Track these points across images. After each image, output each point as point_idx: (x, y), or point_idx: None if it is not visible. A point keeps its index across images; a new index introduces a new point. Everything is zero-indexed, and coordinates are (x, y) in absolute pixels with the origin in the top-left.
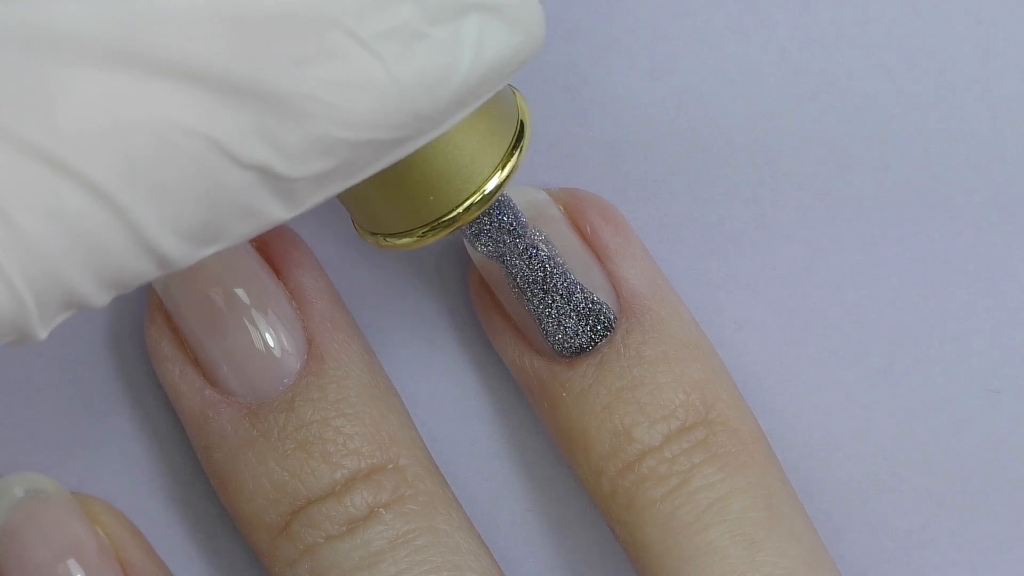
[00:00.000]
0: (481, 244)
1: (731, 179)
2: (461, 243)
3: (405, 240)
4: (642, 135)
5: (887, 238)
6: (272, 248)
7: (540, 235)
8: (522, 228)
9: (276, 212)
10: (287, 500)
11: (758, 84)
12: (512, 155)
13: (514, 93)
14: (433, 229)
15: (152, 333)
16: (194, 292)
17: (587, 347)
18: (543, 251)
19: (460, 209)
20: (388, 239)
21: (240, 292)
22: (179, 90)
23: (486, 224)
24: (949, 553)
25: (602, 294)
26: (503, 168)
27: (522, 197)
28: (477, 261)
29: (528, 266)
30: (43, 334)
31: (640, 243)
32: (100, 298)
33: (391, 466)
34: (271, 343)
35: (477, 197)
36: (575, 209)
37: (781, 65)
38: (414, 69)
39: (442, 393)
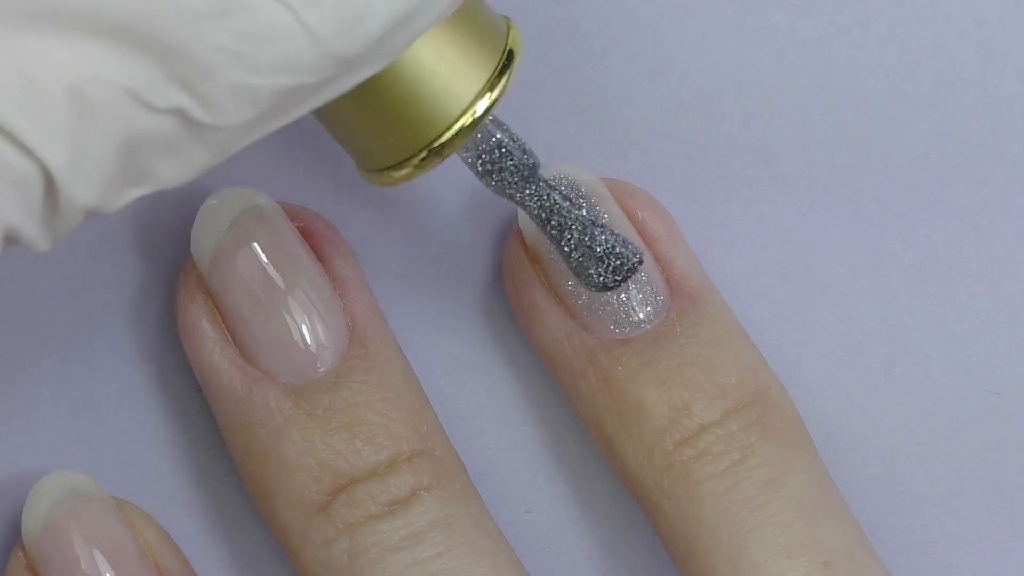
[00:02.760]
0: (491, 183)
1: (731, 179)
2: (463, 248)
3: (403, 172)
4: (642, 136)
5: (887, 238)
6: (313, 236)
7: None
8: (530, 169)
9: (204, 157)
10: (330, 478)
11: (758, 84)
12: (500, 78)
13: (508, 24)
14: (429, 155)
15: (192, 311)
16: (242, 272)
17: (612, 287)
18: (556, 191)
19: (451, 133)
20: (389, 174)
21: (286, 274)
22: (88, 43)
23: (492, 163)
24: (949, 554)
25: (652, 275)
26: (491, 90)
27: (573, 175)
28: (526, 231)
29: (540, 208)
30: None
31: (683, 236)
32: (40, 239)
33: (428, 452)
34: (316, 328)
35: (467, 119)
36: (624, 197)
37: (781, 65)
38: (325, 14)
39: (443, 395)
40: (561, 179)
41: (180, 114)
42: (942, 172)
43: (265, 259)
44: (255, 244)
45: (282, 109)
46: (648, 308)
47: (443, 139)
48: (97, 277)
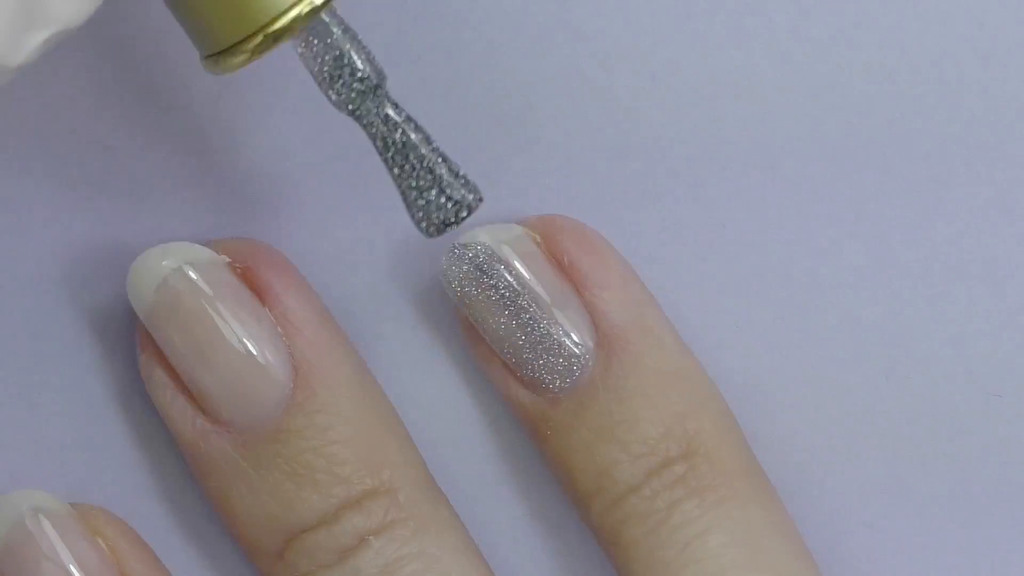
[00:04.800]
0: (334, 93)
1: (733, 182)
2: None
3: (239, 58)
4: (644, 138)
5: (888, 241)
6: (257, 275)
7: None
8: (377, 79)
9: None
10: (281, 529)
11: (759, 87)
12: None
13: None
14: (264, 40)
15: (144, 361)
16: (179, 322)
17: (449, 224)
18: (403, 111)
19: (288, 18)
20: (224, 59)
21: (217, 330)
22: None
23: (335, 69)
24: (949, 555)
25: (582, 328)
26: None
27: (498, 234)
28: (453, 298)
29: (385, 124)
30: None
31: (621, 268)
32: None
33: (383, 490)
34: (257, 377)
35: (304, 7)
36: (550, 239)
37: (782, 67)
38: None
39: (442, 402)
40: (476, 246)
41: None
42: (943, 174)
43: (194, 320)
44: (183, 307)
45: None
46: (575, 373)
47: (279, 23)
48: (97, 276)
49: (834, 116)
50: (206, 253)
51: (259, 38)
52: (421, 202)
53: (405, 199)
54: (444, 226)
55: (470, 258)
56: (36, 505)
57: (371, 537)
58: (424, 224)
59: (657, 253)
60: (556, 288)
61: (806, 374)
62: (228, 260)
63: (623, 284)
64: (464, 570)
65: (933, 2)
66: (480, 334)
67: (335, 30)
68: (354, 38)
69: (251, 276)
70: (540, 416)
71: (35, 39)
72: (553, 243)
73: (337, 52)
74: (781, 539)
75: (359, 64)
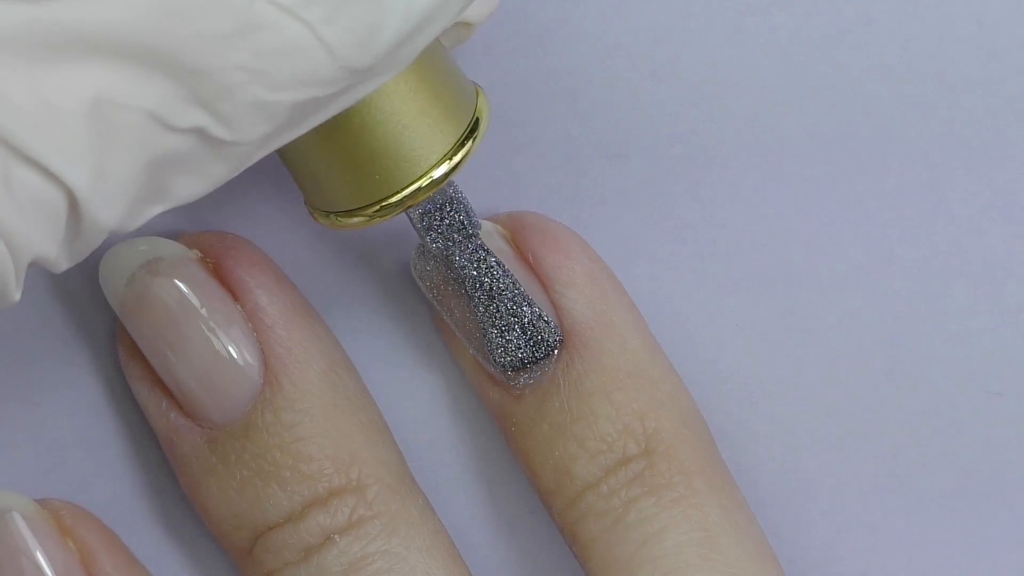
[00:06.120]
0: (431, 239)
1: (733, 180)
2: None
3: (355, 220)
4: (644, 136)
5: (888, 240)
6: (228, 270)
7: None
8: (474, 228)
9: (221, 172)
10: (249, 526)
11: (760, 86)
12: (464, 145)
13: (477, 90)
14: (381, 209)
15: (122, 354)
16: (150, 318)
17: (528, 363)
18: (493, 256)
19: (408, 191)
20: (339, 219)
21: (188, 326)
22: (108, 67)
23: (437, 219)
24: (949, 554)
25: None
26: (453, 156)
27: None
28: (424, 290)
29: (476, 269)
30: (17, 296)
31: (586, 265)
32: (60, 260)
33: (351, 488)
34: (226, 373)
35: (425, 181)
36: (518, 236)
37: (783, 67)
38: (343, 28)
39: (429, 396)
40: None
41: (200, 133)
42: (944, 173)
43: (162, 316)
44: (150, 303)
45: (296, 121)
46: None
47: (398, 197)
48: (93, 275)
49: (834, 116)
50: (175, 248)
51: (377, 207)
52: (501, 340)
53: (486, 335)
54: (523, 364)
55: (452, 215)
56: (3, 505)
57: (336, 535)
58: (504, 359)
59: (657, 252)
60: (527, 285)
61: (806, 373)
62: (199, 255)
63: (587, 282)
64: (429, 569)
65: (933, 2)
66: (452, 328)
67: (443, 187)
68: (456, 192)
69: (222, 271)
70: (505, 411)
71: (152, 212)
72: (519, 240)
73: (440, 204)
74: (740, 538)
75: (458, 216)
